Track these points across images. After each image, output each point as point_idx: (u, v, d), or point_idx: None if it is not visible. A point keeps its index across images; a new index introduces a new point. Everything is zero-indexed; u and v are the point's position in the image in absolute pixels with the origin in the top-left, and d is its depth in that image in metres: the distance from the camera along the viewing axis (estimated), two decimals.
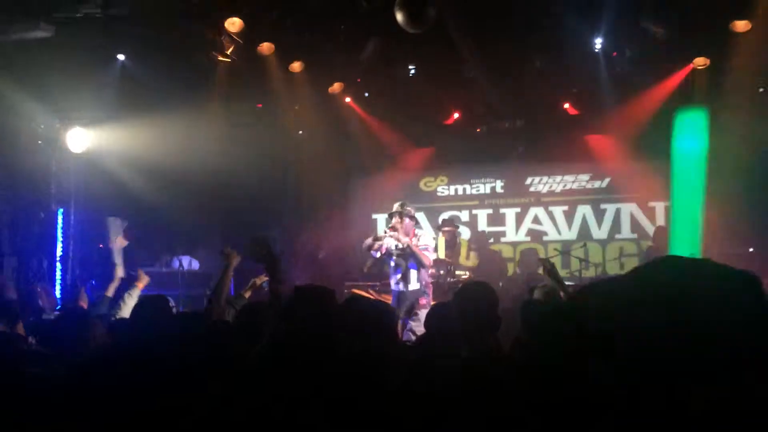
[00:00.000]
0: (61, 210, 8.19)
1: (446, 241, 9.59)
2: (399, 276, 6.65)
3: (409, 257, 6.59)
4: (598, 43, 8.61)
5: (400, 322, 5.87)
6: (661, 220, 10.36)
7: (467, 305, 2.76)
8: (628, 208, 10.66)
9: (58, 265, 8.01)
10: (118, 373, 2.33)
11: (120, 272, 5.20)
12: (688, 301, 0.79)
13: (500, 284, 9.37)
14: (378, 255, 6.87)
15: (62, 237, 8.08)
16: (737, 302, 0.79)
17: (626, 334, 0.81)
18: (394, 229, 6.57)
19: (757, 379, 0.75)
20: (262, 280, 4.78)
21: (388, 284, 7.14)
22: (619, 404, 0.80)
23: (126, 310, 4.21)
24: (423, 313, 6.32)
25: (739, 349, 0.76)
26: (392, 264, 6.76)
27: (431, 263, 6.82)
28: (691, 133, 9.41)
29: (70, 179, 8.46)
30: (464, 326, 2.67)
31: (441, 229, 9.90)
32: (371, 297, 7.25)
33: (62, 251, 8.04)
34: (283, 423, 2.07)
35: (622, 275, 0.97)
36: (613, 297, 0.89)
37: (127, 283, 4.92)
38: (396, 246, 6.63)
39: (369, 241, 6.83)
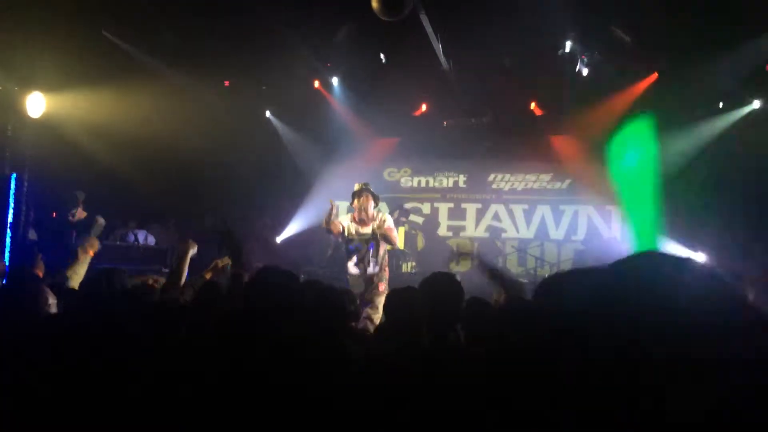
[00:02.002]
0: (14, 175, 7.95)
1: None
2: (357, 258, 6.48)
3: (370, 240, 6.43)
4: (568, 45, 8.72)
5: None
6: (617, 224, 10.58)
7: (434, 294, 2.75)
8: (586, 211, 10.86)
9: (8, 232, 7.78)
10: (66, 341, 2.29)
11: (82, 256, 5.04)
12: (672, 300, 0.76)
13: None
14: (338, 237, 6.61)
15: (14, 203, 7.84)
16: (721, 307, 0.77)
17: (604, 330, 0.78)
18: (360, 208, 6.36)
19: (732, 383, 0.73)
20: (225, 262, 4.70)
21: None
22: (589, 401, 0.77)
23: (76, 280, 4.10)
24: (380, 300, 6.23)
25: (718, 354, 0.73)
26: (350, 246, 6.60)
27: (397, 241, 6.63)
28: (640, 140, 9.62)
29: (27, 144, 8.22)
30: (429, 315, 2.67)
31: (394, 215, 9.93)
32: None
33: (13, 217, 7.81)
34: (224, 402, 2.06)
35: (597, 268, 0.94)
36: (589, 291, 0.85)
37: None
38: (357, 231, 6.46)
39: (327, 218, 6.48)
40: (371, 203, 6.37)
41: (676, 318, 0.74)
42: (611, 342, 0.75)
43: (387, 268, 6.55)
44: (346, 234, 6.43)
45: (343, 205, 11.17)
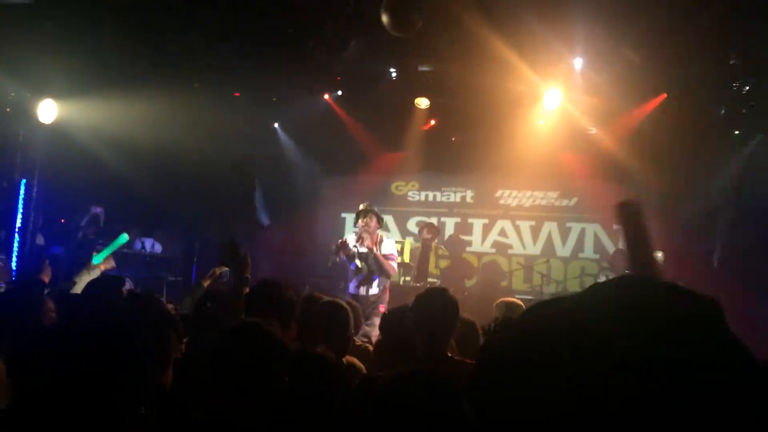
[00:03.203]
0: (24, 181, 8.03)
1: (422, 248, 9.49)
2: (361, 279, 6.53)
3: (371, 263, 6.48)
4: (577, 63, 8.71)
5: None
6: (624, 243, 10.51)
7: (425, 310, 2.76)
8: (593, 229, 10.81)
9: (17, 236, 7.84)
10: (57, 351, 2.29)
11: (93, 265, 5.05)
12: (638, 324, 0.73)
13: (464, 293, 9.38)
14: (343, 258, 6.69)
15: (23, 208, 7.92)
16: (696, 332, 0.73)
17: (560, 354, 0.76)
18: (366, 227, 6.45)
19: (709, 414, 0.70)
20: (222, 269, 4.83)
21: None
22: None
23: (80, 286, 4.14)
24: (378, 320, 6.25)
25: (691, 381, 0.69)
26: (354, 267, 6.63)
27: (395, 272, 6.72)
28: None
29: (37, 150, 8.30)
30: (420, 331, 2.67)
31: (421, 233, 9.75)
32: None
33: (21, 223, 7.88)
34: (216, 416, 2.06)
35: (577, 293, 0.90)
36: (558, 314, 0.83)
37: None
38: (358, 250, 6.50)
39: (338, 244, 6.59)
40: (374, 223, 6.48)
41: (645, 345, 0.72)
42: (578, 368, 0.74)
43: (388, 290, 6.61)
44: (350, 252, 6.53)
45: (350, 216, 11.22)
